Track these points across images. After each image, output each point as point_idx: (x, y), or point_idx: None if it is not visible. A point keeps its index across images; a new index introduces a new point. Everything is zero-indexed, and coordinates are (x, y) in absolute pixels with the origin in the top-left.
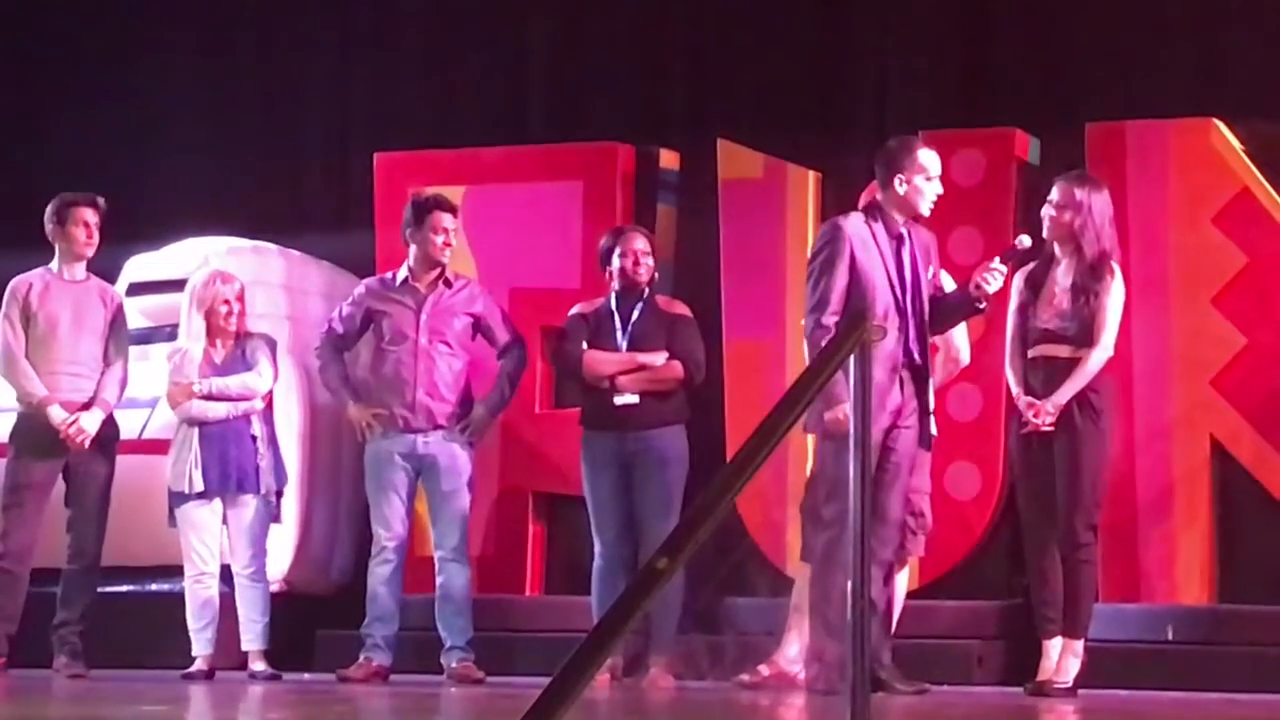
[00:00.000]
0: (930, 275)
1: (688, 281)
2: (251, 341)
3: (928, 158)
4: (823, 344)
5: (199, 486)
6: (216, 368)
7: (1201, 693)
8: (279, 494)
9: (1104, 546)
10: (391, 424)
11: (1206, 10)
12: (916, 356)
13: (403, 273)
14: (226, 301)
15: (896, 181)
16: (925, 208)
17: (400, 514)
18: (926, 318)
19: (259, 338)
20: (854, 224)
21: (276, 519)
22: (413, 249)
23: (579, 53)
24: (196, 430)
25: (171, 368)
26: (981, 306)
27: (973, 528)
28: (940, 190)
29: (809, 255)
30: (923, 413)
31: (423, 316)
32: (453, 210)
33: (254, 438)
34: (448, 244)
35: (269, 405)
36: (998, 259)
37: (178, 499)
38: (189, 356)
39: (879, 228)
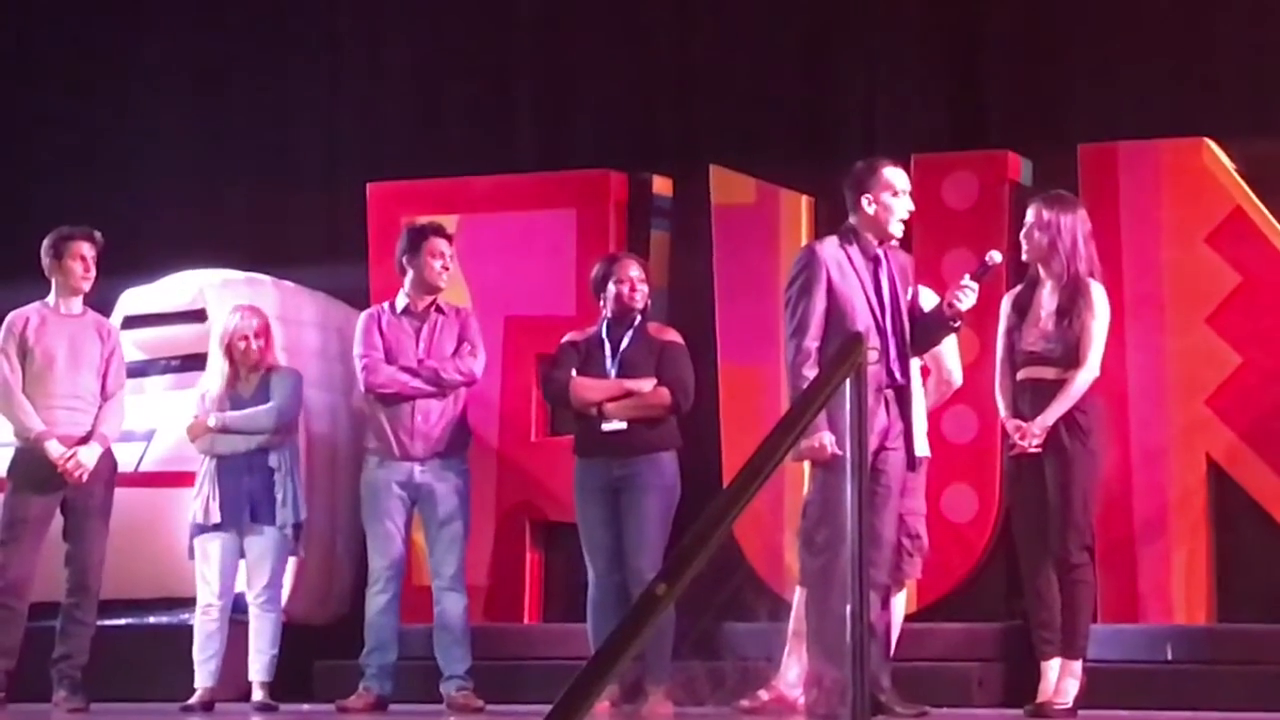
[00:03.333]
0: (909, 296)
1: (682, 308)
2: (276, 374)
3: (893, 174)
4: (804, 369)
5: (215, 518)
6: (237, 401)
7: (1200, 712)
8: (298, 527)
9: (1102, 567)
10: (388, 452)
11: (1197, 30)
12: (899, 377)
13: (400, 300)
14: (245, 337)
15: (865, 202)
16: (895, 225)
17: (396, 543)
18: (907, 338)
19: (284, 370)
20: (829, 248)
21: (294, 552)
22: (409, 275)
23: (571, 81)
24: (215, 463)
25: (197, 401)
26: (956, 325)
27: (970, 550)
28: (910, 207)
29: (787, 282)
30: (908, 434)
31: (420, 344)
32: (448, 237)
33: (272, 469)
34: (445, 268)
35: (290, 438)
36: (968, 276)
37: (196, 530)
38: (209, 390)
39: (854, 250)
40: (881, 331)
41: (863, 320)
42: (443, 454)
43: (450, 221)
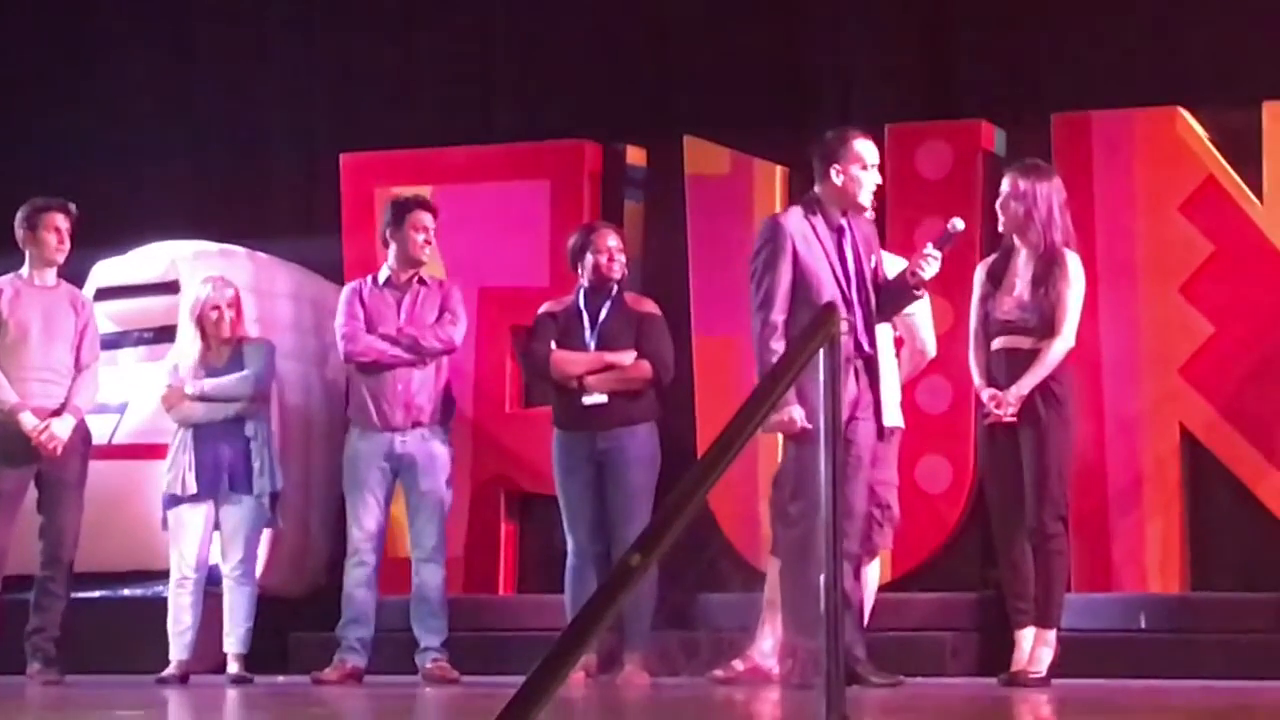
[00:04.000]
0: (874, 265)
1: (656, 278)
2: (248, 346)
3: (864, 147)
4: (771, 342)
5: (191, 489)
6: (211, 371)
7: (1174, 680)
8: (274, 496)
9: (1075, 536)
10: (369, 423)
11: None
12: (866, 347)
13: (383, 273)
14: (216, 306)
15: (833, 173)
16: (864, 198)
17: (376, 515)
18: (874, 308)
19: (257, 341)
20: (793, 219)
21: (272, 522)
22: (393, 248)
23: (544, 52)
24: (190, 433)
25: (168, 371)
26: (920, 293)
27: (944, 520)
28: (879, 180)
29: (752, 254)
30: (877, 404)
31: (401, 314)
32: (432, 210)
33: (248, 439)
34: (428, 242)
35: (264, 408)
36: (931, 245)
37: (170, 501)
38: (183, 360)
39: (819, 221)
40: (848, 302)
41: (829, 291)
42: (425, 424)
43: (424, 191)
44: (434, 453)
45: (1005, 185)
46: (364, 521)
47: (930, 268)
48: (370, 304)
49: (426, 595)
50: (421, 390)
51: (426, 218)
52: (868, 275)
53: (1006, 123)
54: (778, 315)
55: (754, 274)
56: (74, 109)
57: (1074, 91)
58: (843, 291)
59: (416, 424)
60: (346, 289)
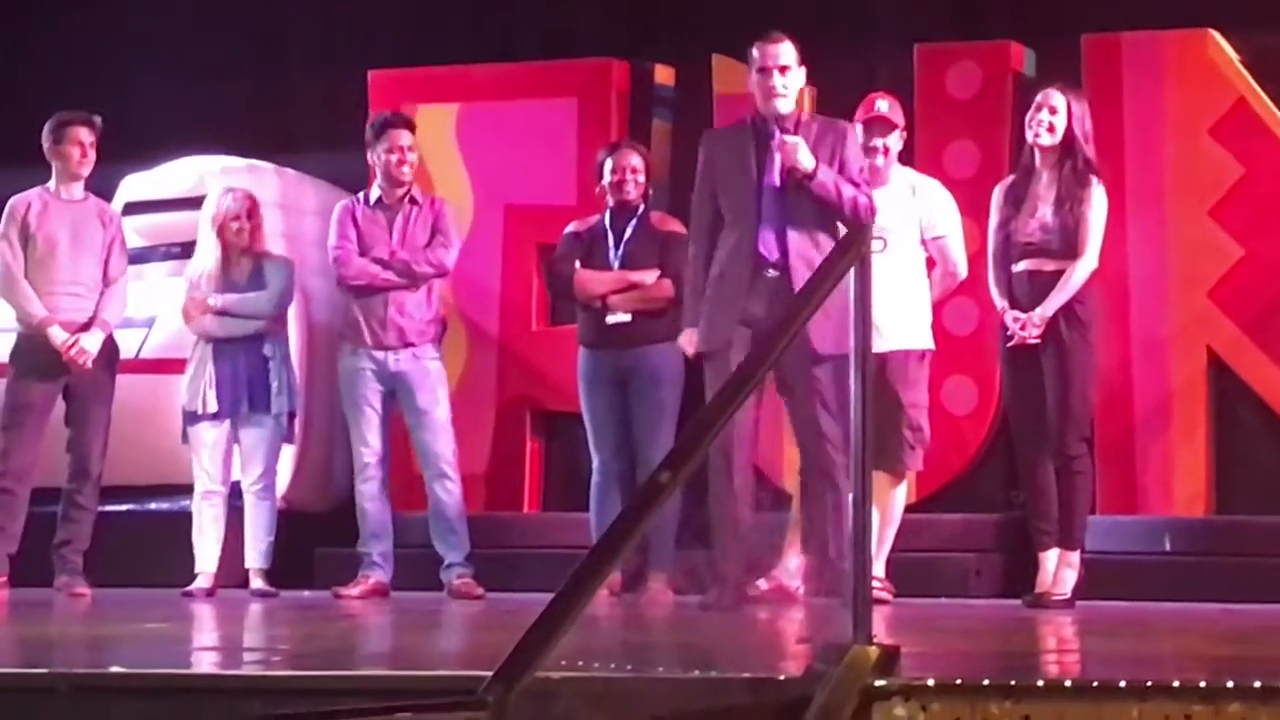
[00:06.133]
0: (808, 170)
1: (683, 198)
2: (268, 261)
3: (761, 50)
4: (690, 246)
5: (212, 407)
6: (231, 285)
7: (1198, 603)
8: (291, 415)
9: (1101, 459)
10: (361, 341)
11: None
12: (768, 256)
13: (374, 192)
14: (236, 217)
15: (750, 78)
16: (773, 102)
17: (377, 430)
18: (790, 217)
19: (277, 259)
20: (717, 136)
21: (289, 440)
22: (377, 169)
23: None
24: (211, 348)
25: (188, 284)
26: (808, 179)
27: (969, 442)
28: (784, 82)
29: None
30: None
31: (393, 235)
32: (409, 127)
33: (266, 358)
34: (403, 162)
35: (283, 327)
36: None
37: (190, 418)
38: (204, 273)
39: (748, 129)
40: (754, 213)
41: (737, 202)
42: (416, 343)
43: (451, 110)
44: (428, 369)
45: (1042, 98)
46: (367, 437)
47: (794, 154)
48: (362, 224)
49: (442, 511)
50: (414, 311)
51: (403, 136)
52: (791, 182)
53: (1036, 44)
54: (699, 223)
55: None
56: (103, 23)
57: (1105, 13)
58: (755, 200)
59: (408, 344)
60: (338, 208)
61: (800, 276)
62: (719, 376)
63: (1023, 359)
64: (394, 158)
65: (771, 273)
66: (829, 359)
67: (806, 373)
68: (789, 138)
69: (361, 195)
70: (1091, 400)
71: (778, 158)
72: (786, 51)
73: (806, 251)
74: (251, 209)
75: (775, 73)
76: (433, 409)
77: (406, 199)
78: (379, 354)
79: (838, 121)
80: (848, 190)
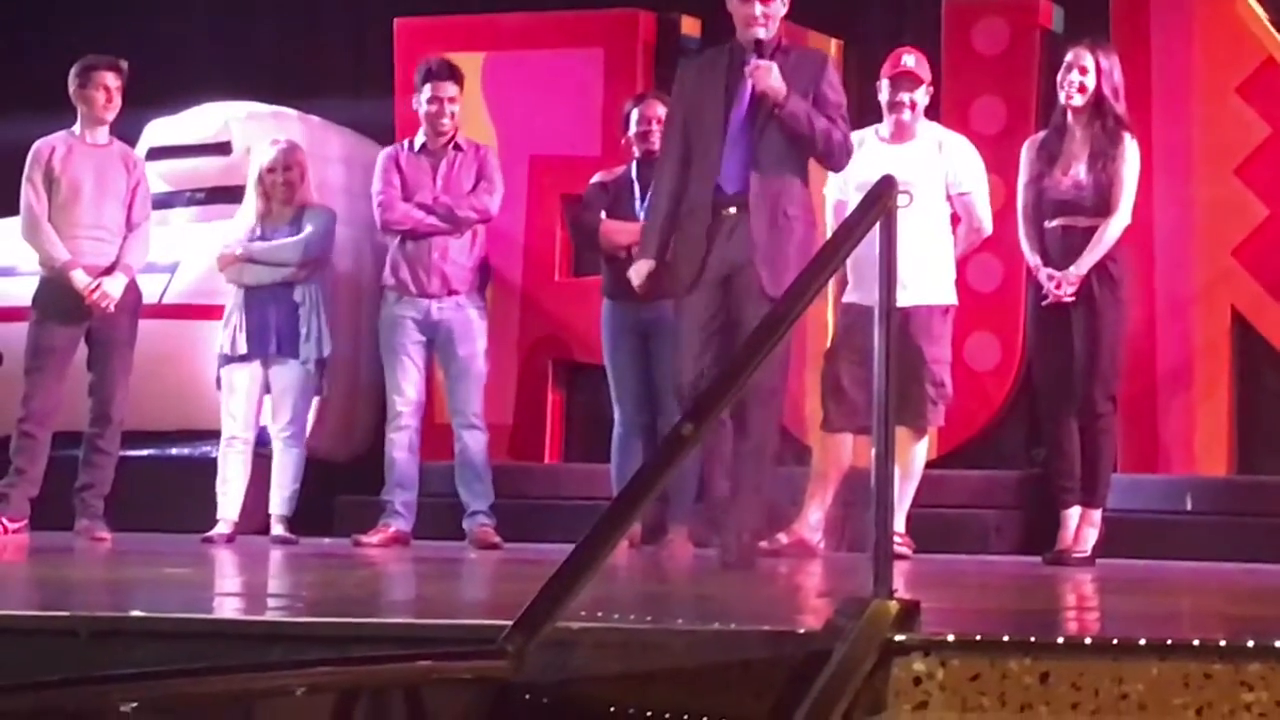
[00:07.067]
0: (781, 100)
1: None
2: (309, 210)
3: None
4: (660, 176)
5: (241, 350)
6: (268, 234)
7: (1219, 562)
8: (320, 363)
9: (1123, 417)
10: (405, 289)
11: None
12: (726, 189)
13: (419, 138)
14: (273, 169)
15: (731, 3)
16: (752, 29)
17: (414, 380)
18: (757, 151)
19: (318, 208)
20: (691, 63)
21: (319, 389)
22: (420, 115)
23: None
24: (243, 294)
25: (229, 231)
26: (780, 109)
27: (991, 399)
28: (760, 10)
29: None
30: (759, 261)
31: (437, 182)
32: (454, 77)
33: (297, 304)
34: (441, 114)
35: (317, 273)
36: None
37: (223, 360)
38: (242, 221)
39: (722, 61)
40: (719, 143)
41: (702, 131)
42: (461, 291)
43: (476, 59)
44: (470, 319)
45: (1075, 60)
46: (403, 386)
47: (765, 78)
48: (407, 170)
49: (470, 460)
50: (458, 258)
51: (445, 87)
52: (759, 116)
53: (1065, 0)
54: (670, 150)
55: None
56: None
57: None
58: (723, 132)
59: (452, 292)
60: (383, 155)
61: (760, 217)
62: (682, 324)
63: (1052, 316)
64: (433, 108)
65: (731, 210)
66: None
67: (759, 311)
68: (761, 61)
69: (407, 142)
70: (1121, 359)
71: (749, 86)
72: None
73: (770, 189)
74: (291, 160)
75: (757, 2)
76: (471, 359)
77: (451, 145)
78: (423, 301)
79: (816, 51)
80: (820, 122)
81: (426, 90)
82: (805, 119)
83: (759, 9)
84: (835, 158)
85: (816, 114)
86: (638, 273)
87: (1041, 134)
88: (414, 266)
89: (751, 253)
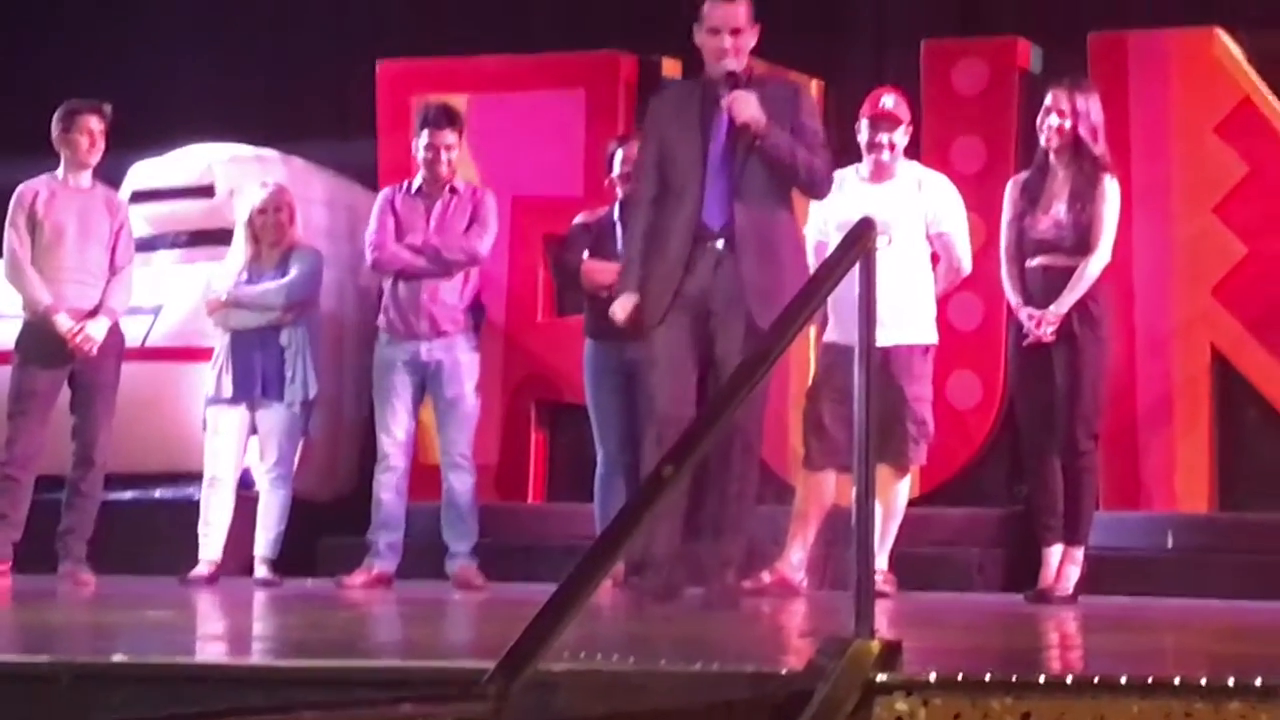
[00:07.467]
0: (760, 131)
1: None
2: (296, 253)
3: (712, 8)
4: (632, 220)
5: (227, 392)
6: (256, 276)
7: (1201, 600)
8: (306, 405)
9: (1105, 454)
10: (396, 330)
11: None
12: (711, 225)
13: (417, 180)
14: (264, 210)
15: (699, 37)
16: (721, 62)
17: (403, 422)
18: (739, 184)
19: (305, 250)
20: (663, 98)
21: (304, 430)
22: (418, 158)
23: None
24: (229, 339)
25: (217, 275)
26: (759, 142)
27: (973, 436)
28: (729, 43)
29: None
30: (739, 294)
31: (431, 224)
32: (450, 124)
33: (283, 348)
34: (437, 160)
35: (304, 316)
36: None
37: (209, 402)
38: (231, 264)
39: (695, 95)
40: (699, 177)
41: (681, 166)
42: (451, 332)
43: (459, 101)
44: (460, 360)
45: (1053, 101)
46: (392, 428)
47: (744, 110)
48: (402, 211)
49: (455, 501)
50: (448, 299)
51: (442, 135)
52: (739, 148)
53: (1043, 41)
54: (644, 189)
55: None
56: (112, 10)
57: (1111, 10)
58: (703, 165)
59: (441, 333)
60: (380, 196)
61: (748, 250)
62: (652, 353)
63: (1034, 354)
64: (429, 155)
65: (718, 244)
66: None
67: (744, 346)
68: (740, 92)
69: (406, 183)
70: (1102, 396)
71: (725, 119)
72: (739, 13)
73: (756, 222)
74: (281, 202)
75: (726, 34)
76: (459, 399)
77: (448, 188)
78: (412, 343)
79: (790, 82)
80: (801, 152)
81: (424, 136)
82: (787, 149)
83: (728, 40)
84: (818, 187)
85: (797, 144)
86: (622, 307)
87: (1024, 174)
88: (404, 308)
89: (742, 288)
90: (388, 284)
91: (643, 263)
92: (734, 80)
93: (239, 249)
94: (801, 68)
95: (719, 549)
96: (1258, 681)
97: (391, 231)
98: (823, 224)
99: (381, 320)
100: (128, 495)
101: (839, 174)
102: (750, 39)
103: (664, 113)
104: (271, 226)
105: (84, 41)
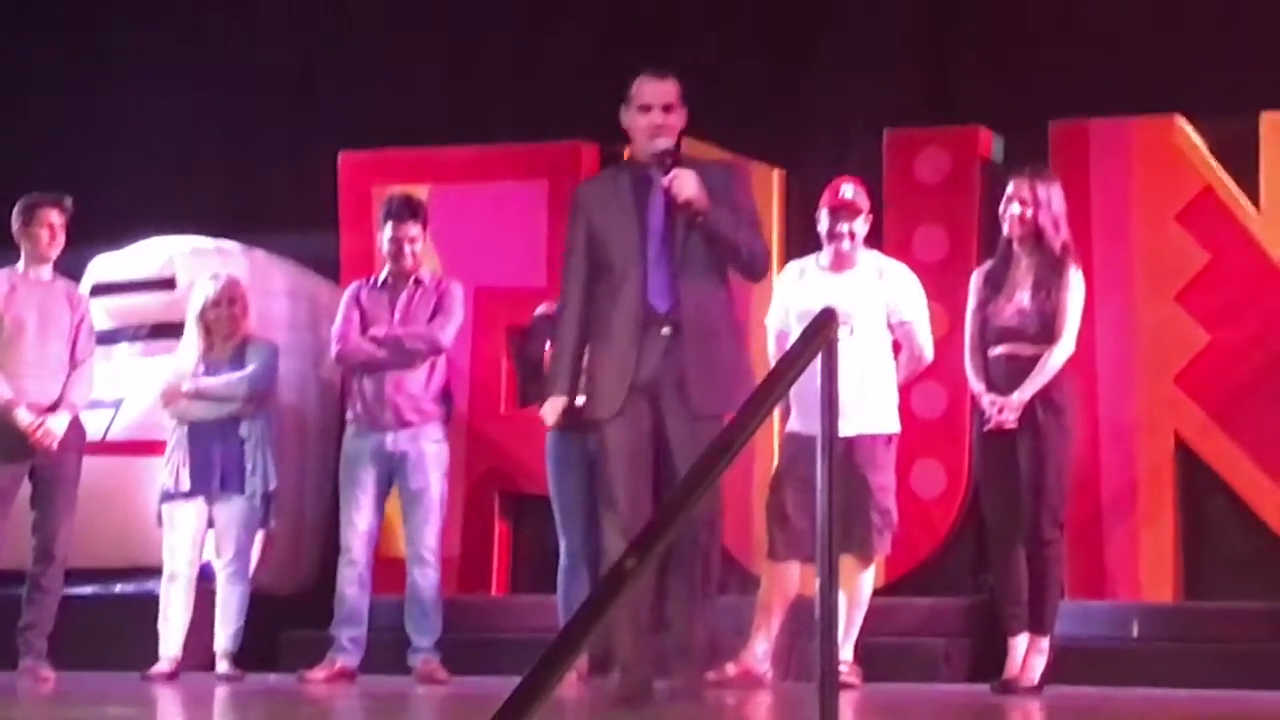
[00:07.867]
0: (698, 213)
1: None
2: (251, 345)
3: (641, 86)
4: (562, 314)
5: (185, 486)
6: (213, 369)
7: (1167, 689)
8: (266, 497)
9: (1069, 543)
10: (362, 422)
11: (1170, 7)
12: (658, 308)
13: (383, 273)
14: (217, 303)
15: (627, 116)
16: (651, 141)
17: (367, 515)
18: (679, 265)
19: (261, 343)
20: (594, 183)
21: (264, 523)
22: (382, 250)
23: (543, 52)
24: (186, 430)
25: (173, 369)
26: (699, 220)
27: (937, 526)
28: (660, 121)
29: None
30: (687, 378)
31: (395, 315)
32: (414, 216)
33: (242, 439)
34: (400, 253)
35: (262, 408)
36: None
37: (165, 497)
38: (185, 357)
39: (624, 178)
40: (641, 260)
41: (620, 251)
42: (416, 423)
43: (422, 191)
44: (425, 450)
45: (1015, 191)
46: (356, 520)
47: (685, 188)
48: (367, 304)
49: (419, 596)
50: (413, 390)
51: (405, 227)
52: (679, 229)
53: (1005, 129)
54: (572, 284)
55: None
56: (73, 103)
57: (1072, 99)
58: (639, 250)
59: (407, 423)
60: (347, 290)
61: (694, 332)
62: (614, 445)
63: (997, 443)
64: (393, 248)
65: (664, 330)
66: (710, 418)
67: (690, 430)
68: (680, 170)
69: (372, 277)
70: (1066, 485)
71: (662, 199)
72: (670, 90)
73: (700, 303)
74: (234, 294)
75: (658, 111)
76: (423, 491)
77: (412, 280)
78: (378, 435)
79: (722, 162)
80: (744, 232)
81: (388, 229)
82: (730, 227)
83: (660, 117)
84: (756, 267)
85: (739, 222)
86: (552, 410)
87: (989, 263)
88: (369, 400)
89: (682, 371)
90: (355, 376)
91: (577, 357)
92: (668, 158)
93: (191, 342)
94: (763, 156)
95: (682, 641)
96: None
97: (356, 324)
98: (784, 314)
99: (349, 413)
100: (88, 590)
101: (799, 263)
102: (681, 118)
103: (592, 200)
104: (225, 320)
105: (45, 134)
